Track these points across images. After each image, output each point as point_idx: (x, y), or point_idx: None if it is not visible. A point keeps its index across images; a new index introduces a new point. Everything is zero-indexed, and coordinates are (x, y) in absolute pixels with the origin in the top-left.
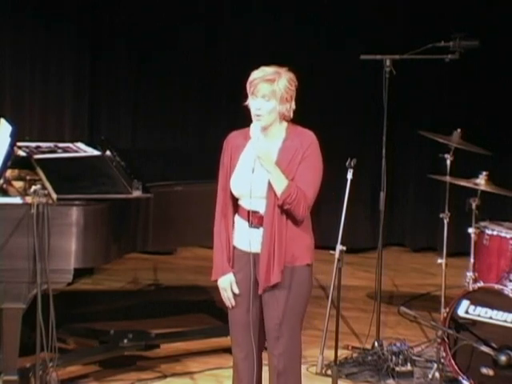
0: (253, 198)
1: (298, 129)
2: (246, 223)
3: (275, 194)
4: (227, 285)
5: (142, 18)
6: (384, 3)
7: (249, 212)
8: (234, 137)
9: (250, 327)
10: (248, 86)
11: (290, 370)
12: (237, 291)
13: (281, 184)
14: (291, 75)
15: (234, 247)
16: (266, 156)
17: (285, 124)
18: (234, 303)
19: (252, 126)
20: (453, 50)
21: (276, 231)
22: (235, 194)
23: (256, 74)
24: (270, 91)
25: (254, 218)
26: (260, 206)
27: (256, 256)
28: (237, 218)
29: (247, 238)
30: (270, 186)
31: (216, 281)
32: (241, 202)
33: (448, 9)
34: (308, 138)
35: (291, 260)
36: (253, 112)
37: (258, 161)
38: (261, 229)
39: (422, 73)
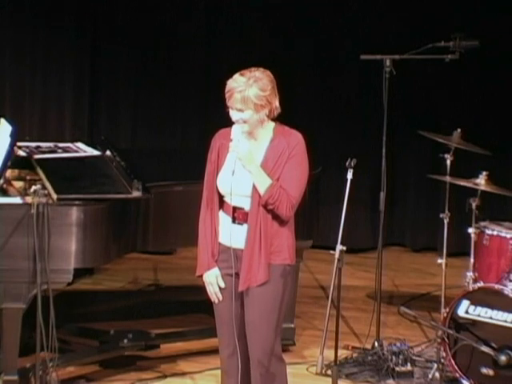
0: (238, 196)
1: (284, 129)
2: (230, 219)
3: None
4: (213, 279)
5: (142, 18)
6: (384, 3)
7: (234, 208)
8: (221, 134)
9: (235, 322)
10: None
11: (267, 370)
12: (223, 285)
13: (263, 184)
14: (264, 79)
15: (219, 243)
16: (246, 157)
17: (272, 124)
18: (220, 298)
19: (234, 127)
20: (453, 50)
21: (261, 229)
22: (221, 191)
23: (229, 85)
24: (242, 104)
25: (239, 215)
26: (245, 203)
27: (238, 252)
28: (221, 213)
29: (230, 234)
30: (254, 184)
31: (201, 276)
32: (226, 199)
33: (448, 9)
34: (295, 138)
35: (273, 259)
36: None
37: (240, 162)
38: (244, 225)
39: (421, 73)
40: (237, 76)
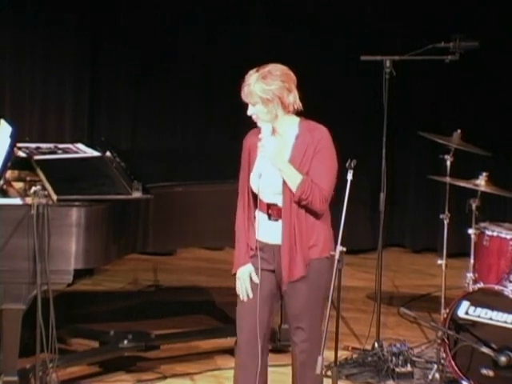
0: (269, 194)
1: (310, 124)
2: (266, 216)
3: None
4: (246, 275)
5: (143, 18)
6: (384, 3)
7: (268, 205)
8: (252, 135)
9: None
10: None
11: (311, 359)
12: (257, 280)
13: (294, 181)
14: (275, 73)
15: (257, 241)
16: (275, 156)
17: (297, 120)
18: (251, 295)
19: (263, 126)
20: (453, 50)
21: (295, 224)
22: (254, 190)
23: (244, 80)
24: (248, 97)
25: (273, 211)
26: (278, 200)
27: (276, 248)
28: (257, 212)
29: (267, 231)
30: (285, 181)
31: (235, 274)
32: (260, 197)
33: (448, 9)
34: (319, 133)
35: (312, 253)
36: None
37: (269, 161)
38: (280, 221)
39: (421, 73)
40: (252, 71)
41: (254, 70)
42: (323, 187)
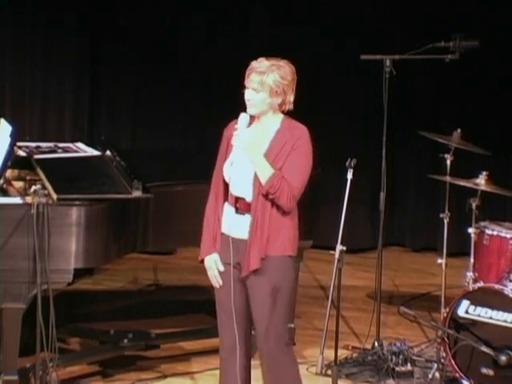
0: (239, 186)
1: (292, 122)
2: (233, 209)
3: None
4: (212, 264)
5: (143, 18)
6: (384, 3)
7: (236, 198)
8: (233, 125)
9: (235, 311)
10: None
11: (276, 355)
12: (222, 269)
13: (265, 174)
14: (287, 69)
15: (222, 233)
16: (249, 146)
17: (280, 116)
18: (221, 282)
19: (240, 116)
20: (453, 50)
21: (263, 218)
22: (226, 179)
23: (251, 65)
24: (259, 84)
25: (241, 205)
26: (246, 193)
27: (240, 242)
28: (226, 204)
29: (233, 224)
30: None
31: (203, 261)
32: (230, 189)
33: (448, 9)
34: (299, 131)
35: (273, 250)
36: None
37: (243, 151)
38: (246, 215)
39: (421, 73)
40: (262, 59)
41: (263, 58)
42: (294, 185)
